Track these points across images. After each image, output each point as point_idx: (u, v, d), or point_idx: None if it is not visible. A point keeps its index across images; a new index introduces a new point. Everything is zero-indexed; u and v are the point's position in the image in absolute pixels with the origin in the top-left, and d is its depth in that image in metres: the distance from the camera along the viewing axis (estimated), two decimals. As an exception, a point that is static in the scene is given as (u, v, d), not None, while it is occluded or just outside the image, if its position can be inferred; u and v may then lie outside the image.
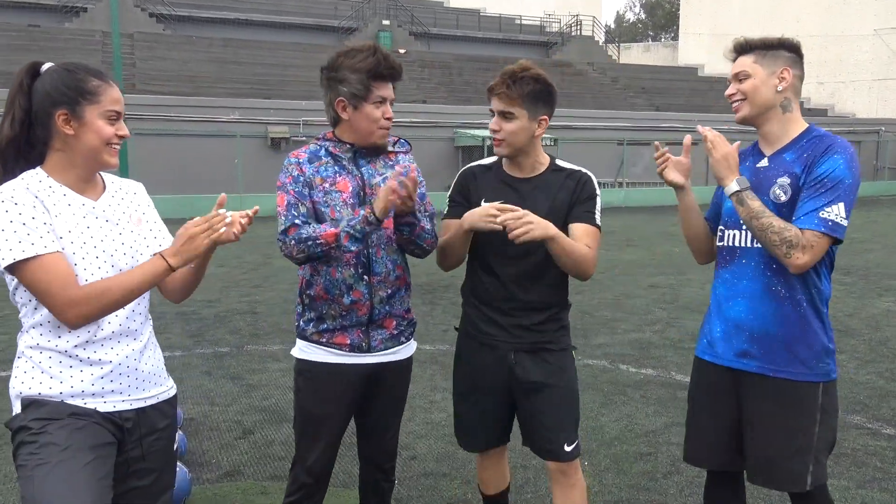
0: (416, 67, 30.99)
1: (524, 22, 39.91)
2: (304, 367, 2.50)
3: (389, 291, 2.47)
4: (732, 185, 2.26)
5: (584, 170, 2.62)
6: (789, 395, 2.29)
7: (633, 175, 27.14)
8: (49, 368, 1.87)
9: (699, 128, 2.42)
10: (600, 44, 42.33)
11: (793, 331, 2.27)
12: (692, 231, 2.57)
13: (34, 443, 1.80)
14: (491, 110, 2.53)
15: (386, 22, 34.73)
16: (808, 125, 2.34)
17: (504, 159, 2.60)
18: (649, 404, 4.79)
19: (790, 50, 2.32)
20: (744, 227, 2.32)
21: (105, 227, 1.94)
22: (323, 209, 2.38)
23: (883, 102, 37.38)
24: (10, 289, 1.90)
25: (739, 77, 2.33)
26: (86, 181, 1.94)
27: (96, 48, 26.33)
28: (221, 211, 1.92)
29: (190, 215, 2.15)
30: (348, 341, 2.45)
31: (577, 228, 2.49)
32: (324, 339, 2.46)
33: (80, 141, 1.88)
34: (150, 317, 2.09)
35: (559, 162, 2.63)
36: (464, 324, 2.68)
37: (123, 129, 1.94)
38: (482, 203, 2.47)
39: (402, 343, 2.57)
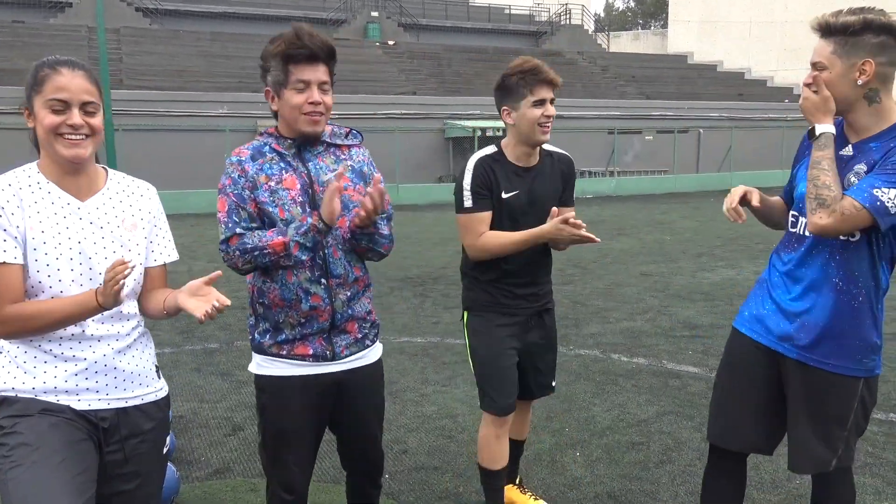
0: (405, 59, 30.86)
1: (513, 12, 39.74)
2: (265, 382, 2.33)
3: (350, 293, 2.31)
4: (826, 127, 2.15)
5: (565, 152, 2.99)
6: (829, 387, 2.25)
7: (623, 164, 27.15)
8: (24, 363, 1.84)
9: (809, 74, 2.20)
10: (590, 33, 42.21)
11: (843, 325, 2.22)
12: (774, 221, 2.49)
13: (5, 445, 1.77)
14: (540, 101, 2.75)
15: (374, 13, 34.55)
16: None
17: (510, 149, 2.85)
18: (641, 393, 4.78)
19: (879, 32, 2.07)
20: None
21: (87, 228, 1.89)
22: (271, 209, 2.21)
23: (872, 88, 37.48)
24: None
25: (816, 67, 2.16)
26: (71, 176, 1.89)
27: (82, 44, 26.08)
28: (126, 258, 1.84)
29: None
30: (311, 351, 2.29)
31: (566, 212, 2.76)
32: (283, 352, 2.29)
33: (39, 134, 1.85)
34: (141, 319, 2.04)
35: (545, 146, 2.92)
36: (480, 300, 2.91)
37: (73, 118, 1.82)
38: (503, 194, 2.78)
39: (368, 346, 2.42)
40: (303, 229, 2.14)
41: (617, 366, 5.40)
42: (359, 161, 2.39)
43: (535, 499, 3.30)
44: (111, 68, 22.32)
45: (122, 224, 1.95)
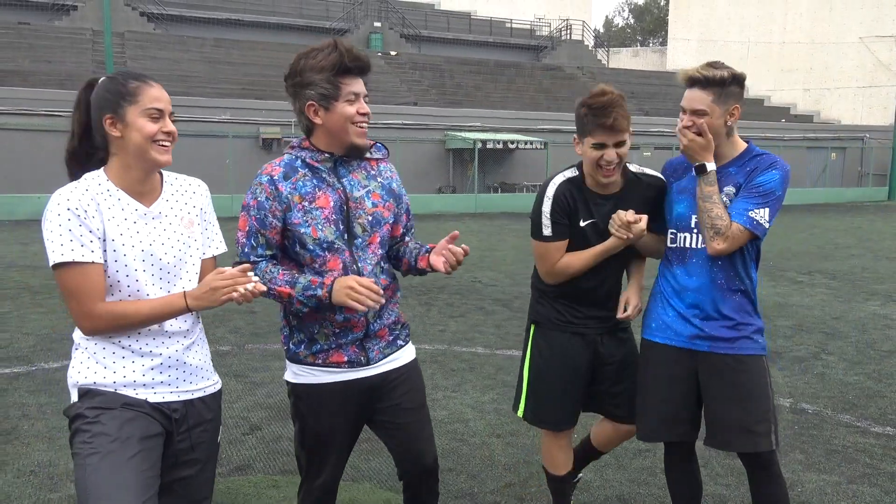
0: (407, 69, 31.09)
1: (515, 25, 40.11)
2: (301, 390, 2.39)
3: (382, 304, 2.31)
4: (711, 165, 2.56)
5: (656, 174, 2.86)
6: (743, 368, 2.62)
7: (621, 179, 27.33)
8: (103, 359, 1.97)
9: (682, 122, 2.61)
10: (590, 48, 42.59)
11: (734, 315, 2.63)
12: (651, 251, 2.88)
13: (88, 431, 1.90)
14: (600, 143, 2.63)
15: (377, 24, 34.81)
16: (747, 144, 2.66)
17: (587, 176, 2.75)
18: (645, 403, 4.91)
19: (739, 84, 2.58)
20: (694, 230, 2.65)
21: (155, 231, 2.02)
22: (303, 230, 2.24)
23: (868, 109, 37.89)
24: None
25: (698, 113, 2.55)
26: (141, 183, 2.01)
27: (86, 47, 26.24)
28: (249, 275, 1.96)
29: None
30: (345, 358, 2.34)
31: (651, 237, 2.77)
32: (319, 361, 2.34)
33: (128, 141, 1.96)
34: (200, 317, 2.17)
35: (631, 167, 2.82)
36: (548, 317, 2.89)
37: (169, 126, 1.98)
38: (581, 223, 2.74)
39: (400, 347, 2.48)
40: (309, 293, 2.19)
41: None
42: (387, 177, 2.43)
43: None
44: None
45: (181, 223, 2.08)
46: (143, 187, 2.03)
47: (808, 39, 39.14)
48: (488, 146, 24.69)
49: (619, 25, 75.38)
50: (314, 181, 2.28)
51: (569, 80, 34.53)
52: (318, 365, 2.35)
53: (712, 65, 2.57)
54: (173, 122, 2.03)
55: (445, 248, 2.38)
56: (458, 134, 25.60)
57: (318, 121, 2.27)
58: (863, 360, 6.05)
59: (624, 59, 48.56)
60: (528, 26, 41.10)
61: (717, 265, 2.63)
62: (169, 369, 2.03)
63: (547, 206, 2.72)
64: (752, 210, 2.51)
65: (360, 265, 2.31)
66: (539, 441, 4.10)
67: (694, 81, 2.56)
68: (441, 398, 4.96)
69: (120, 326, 1.93)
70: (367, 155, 2.39)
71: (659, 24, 63.83)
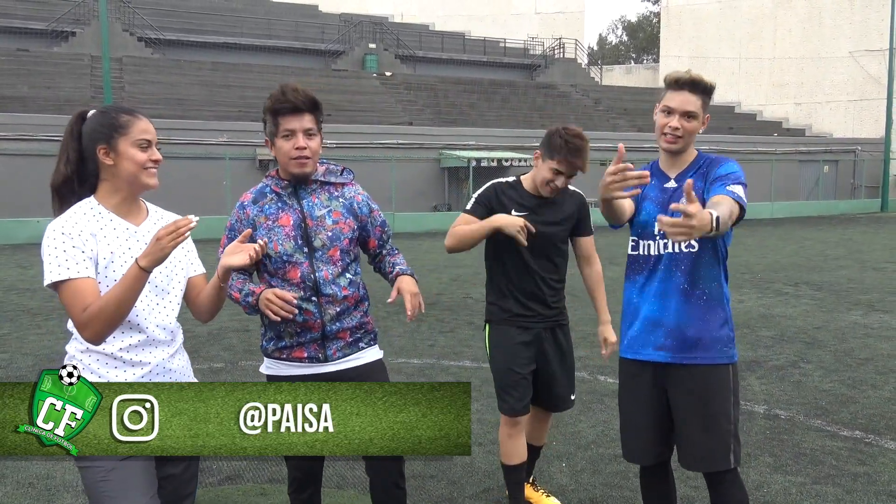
0: (401, 90, 31.45)
1: (508, 45, 40.58)
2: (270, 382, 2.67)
3: (339, 309, 2.63)
4: (715, 223, 2.26)
5: (576, 189, 3.44)
6: (704, 380, 2.58)
7: (616, 195, 27.56)
8: (97, 369, 2.15)
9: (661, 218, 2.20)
10: (583, 66, 43.07)
11: (698, 323, 2.59)
12: (621, 212, 2.67)
13: None
14: (557, 171, 3.22)
15: (372, 45, 35.24)
16: (698, 151, 2.72)
17: (528, 181, 3.33)
18: (625, 411, 5.07)
19: (711, 95, 2.65)
20: (657, 237, 2.65)
21: (145, 248, 2.18)
22: (268, 245, 2.58)
23: (859, 122, 38.26)
24: None
25: (689, 115, 2.57)
26: (129, 205, 2.22)
27: (85, 72, 26.59)
28: (191, 216, 2.10)
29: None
30: (305, 354, 2.65)
31: (585, 241, 3.46)
32: (284, 356, 2.67)
33: (120, 168, 2.17)
34: (180, 327, 2.35)
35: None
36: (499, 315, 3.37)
37: (156, 154, 2.21)
38: (512, 213, 3.24)
39: (362, 349, 2.72)
40: (248, 299, 2.57)
41: (603, 386, 5.70)
42: (349, 198, 2.72)
43: (547, 496, 3.67)
44: (114, 96, 22.76)
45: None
46: (132, 208, 2.24)
47: (799, 54, 39.61)
48: (483, 164, 24.96)
49: (613, 43, 76.11)
50: (278, 204, 2.66)
51: (562, 98, 34.91)
52: (283, 359, 2.69)
53: (691, 72, 2.60)
54: (159, 149, 2.26)
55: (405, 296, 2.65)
56: (453, 152, 25.89)
57: (272, 153, 2.66)
58: (839, 367, 6.22)
59: (617, 76, 49.03)
60: (522, 45, 41.57)
61: (679, 269, 2.59)
62: (157, 376, 2.21)
63: (480, 191, 3.39)
64: (729, 186, 2.46)
65: (317, 275, 2.60)
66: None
67: (685, 84, 2.55)
68: (427, 410, 5.12)
69: (109, 319, 2.05)
70: (333, 179, 2.70)
71: (652, 42, 64.46)
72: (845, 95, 38.68)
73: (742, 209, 2.43)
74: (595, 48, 71.13)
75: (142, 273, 2.05)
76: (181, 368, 2.31)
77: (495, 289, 3.39)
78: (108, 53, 21.32)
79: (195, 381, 2.37)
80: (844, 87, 38.67)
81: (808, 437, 4.54)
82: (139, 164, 2.18)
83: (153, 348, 2.21)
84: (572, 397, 3.50)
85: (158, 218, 2.32)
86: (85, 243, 2.11)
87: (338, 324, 2.65)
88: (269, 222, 2.62)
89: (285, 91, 2.55)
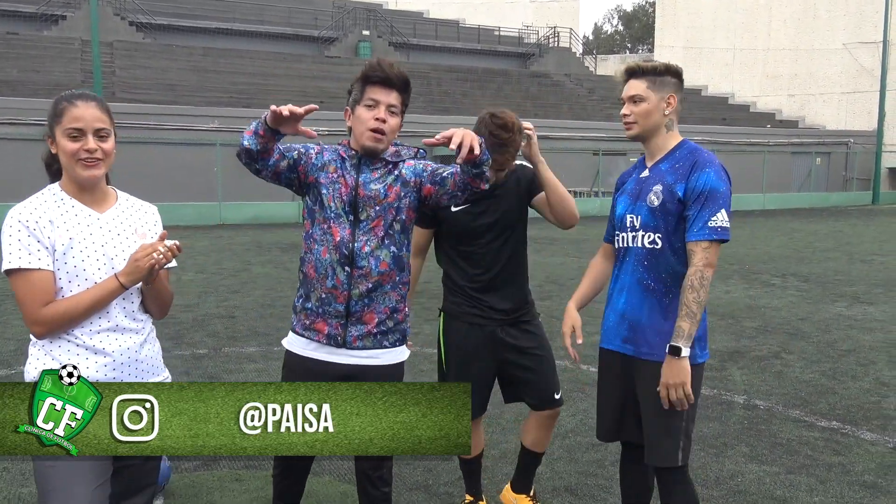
0: (395, 77, 31.29)
1: (503, 33, 40.44)
2: (287, 359, 2.63)
3: (371, 285, 2.49)
4: (685, 350, 2.46)
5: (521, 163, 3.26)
6: (658, 377, 2.53)
7: (608, 184, 27.59)
8: (59, 356, 2.11)
9: None
10: (577, 55, 42.96)
11: (661, 319, 2.58)
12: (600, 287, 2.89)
13: None
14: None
15: (366, 32, 35.05)
16: (682, 139, 2.68)
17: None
18: (605, 400, 5.08)
19: (675, 76, 2.64)
20: (628, 228, 2.67)
21: (108, 234, 2.18)
22: (324, 191, 2.53)
23: (852, 115, 38.30)
24: None
25: (634, 100, 2.62)
26: (88, 193, 2.18)
27: (75, 56, 26.36)
28: (168, 242, 2.12)
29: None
30: (326, 330, 2.51)
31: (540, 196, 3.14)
32: (308, 322, 2.54)
33: (61, 159, 2.14)
34: (150, 318, 2.31)
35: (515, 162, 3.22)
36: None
37: (89, 144, 2.09)
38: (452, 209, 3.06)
39: (385, 347, 2.56)
40: (253, 125, 2.39)
41: (585, 376, 5.71)
42: (405, 168, 2.60)
43: None
44: (104, 81, 22.60)
45: (134, 232, 2.25)
46: (94, 196, 2.20)
47: (793, 46, 39.57)
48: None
49: (609, 32, 75.92)
50: (341, 170, 2.58)
51: (556, 87, 34.83)
52: (304, 332, 2.57)
53: (644, 60, 2.69)
54: (104, 136, 2.13)
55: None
56: (446, 141, 25.79)
57: (348, 123, 2.61)
58: (821, 359, 6.25)
59: (612, 65, 48.87)
60: (517, 34, 41.44)
61: (643, 264, 2.60)
62: (122, 366, 2.17)
63: None
64: (710, 220, 2.47)
65: (356, 245, 2.50)
66: (492, 438, 4.29)
67: (629, 73, 2.65)
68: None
69: (67, 323, 2.07)
70: (397, 159, 2.61)
71: (647, 31, 64.30)
72: (839, 87, 38.69)
73: (724, 241, 2.51)
74: (590, 37, 70.96)
75: (120, 288, 2.07)
76: (150, 360, 2.26)
77: (448, 278, 3.23)
78: (97, 38, 21.13)
79: (165, 372, 2.35)
80: (838, 79, 38.68)
81: (785, 428, 4.56)
82: (69, 155, 2.10)
83: (119, 334, 2.17)
84: (556, 396, 3.23)
85: (128, 206, 2.28)
86: (42, 231, 2.08)
87: (367, 300, 2.51)
88: (334, 175, 2.56)
89: (381, 62, 2.54)
